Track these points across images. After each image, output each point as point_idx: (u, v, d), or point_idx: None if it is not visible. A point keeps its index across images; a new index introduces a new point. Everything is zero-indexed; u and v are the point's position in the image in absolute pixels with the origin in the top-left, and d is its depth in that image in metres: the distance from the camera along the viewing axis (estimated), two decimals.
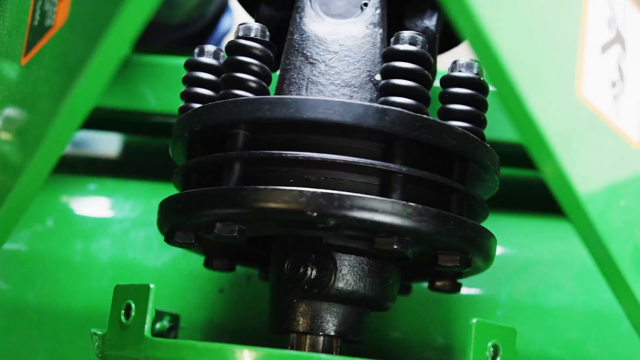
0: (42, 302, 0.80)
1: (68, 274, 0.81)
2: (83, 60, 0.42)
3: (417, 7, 0.68)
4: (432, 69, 0.60)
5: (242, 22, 0.62)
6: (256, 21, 0.70)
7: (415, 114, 0.55)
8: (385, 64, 0.59)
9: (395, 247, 0.54)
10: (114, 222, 0.83)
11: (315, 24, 0.63)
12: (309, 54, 0.62)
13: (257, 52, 0.60)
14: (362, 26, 0.63)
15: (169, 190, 0.65)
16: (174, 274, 0.79)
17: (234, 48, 0.61)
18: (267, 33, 0.62)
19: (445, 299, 0.77)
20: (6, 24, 0.57)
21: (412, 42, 0.58)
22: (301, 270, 0.60)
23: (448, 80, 0.62)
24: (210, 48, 0.66)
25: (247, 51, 0.60)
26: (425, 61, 0.58)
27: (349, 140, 0.57)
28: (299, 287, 0.60)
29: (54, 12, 0.50)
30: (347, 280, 0.60)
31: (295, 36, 0.64)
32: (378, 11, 0.64)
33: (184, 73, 0.67)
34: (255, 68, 0.60)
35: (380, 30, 0.64)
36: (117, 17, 0.40)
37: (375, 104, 0.55)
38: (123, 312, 0.55)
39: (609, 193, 0.47)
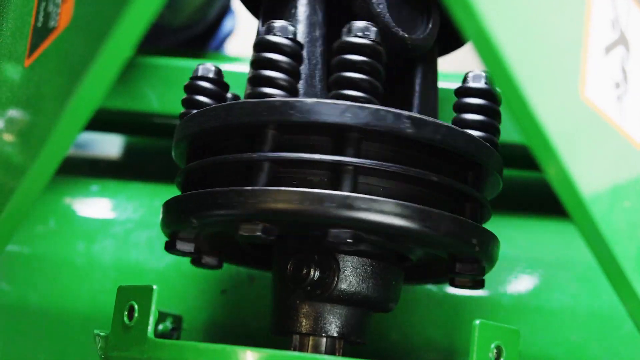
0: (44, 304, 0.80)
1: (70, 275, 0.81)
2: (87, 62, 0.42)
3: None
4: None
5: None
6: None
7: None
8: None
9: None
10: (117, 223, 0.83)
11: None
12: None
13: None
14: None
15: (172, 191, 0.65)
16: (177, 275, 0.79)
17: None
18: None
19: (448, 300, 0.77)
20: (9, 25, 0.57)
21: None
22: (304, 271, 0.60)
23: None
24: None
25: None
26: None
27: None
28: (302, 288, 0.60)
29: (57, 14, 0.50)
30: (350, 281, 0.60)
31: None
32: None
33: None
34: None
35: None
36: (120, 19, 0.41)
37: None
38: (126, 313, 0.55)
39: (612, 194, 0.47)
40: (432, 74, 0.69)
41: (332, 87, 0.57)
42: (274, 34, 0.58)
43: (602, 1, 0.48)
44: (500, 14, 0.40)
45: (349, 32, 0.57)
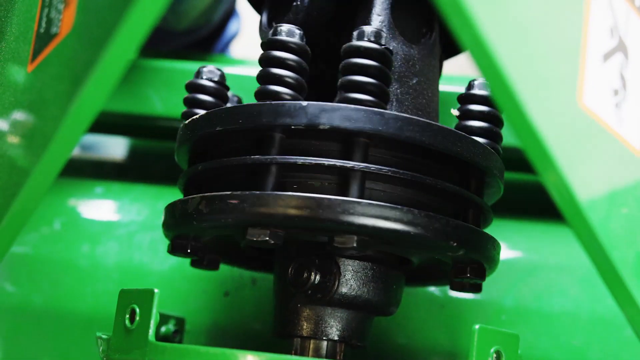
0: (48, 305, 0.81)
1: (74, 277, 0.81)
2: (88, 68, 0.42)
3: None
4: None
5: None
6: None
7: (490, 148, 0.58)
8: (465, 106, 0.63)
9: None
10: (120, 225, 0.83)
11: (396, 40, 0.63)
12: (395, 70, 0.63)
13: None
14: (429, 55, 0.65)
15: (175, 193, 0.65)
16: (180, 277, 0.80)
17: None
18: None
19: (450, 304, 0.77)
20: (13, 30, 0.57)
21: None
22: (305, 275, 0.60)
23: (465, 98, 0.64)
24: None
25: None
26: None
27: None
28: (303, 292, 0.60)
29: (59, 20, 0.50)
30: (351, 285, 0.60)
31: None
32: (438, 45, 0.66)
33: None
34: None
35: (438, 64, 0.66)
36: (121, 25, 0.41)
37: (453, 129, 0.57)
38: (128, 316, 0.55)
39: (610, 201, 0.47)
40: (433, 74, 0.69)
41: (340, 90, 0.57)
42: (283, 35, 0.58)
43: (601, 8, 0.48)
44: (496, 22, 0.40)
45: (360, 37, 0.57)
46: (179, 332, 0.72)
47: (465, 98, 0.63)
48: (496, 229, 0.66)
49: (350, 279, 0.60)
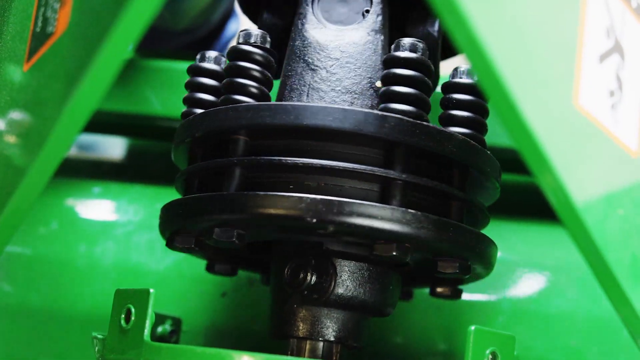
0: (45, 305, 0.81)
1: (72, 277, 0.81)
2: (83, 67, 0.42)
3: (420, 14, 0.68)
4: (432, 75, 0.60)
5: (243, 29, 0.63)
6: (259, 28, 0.70)
7: (414, 120, 0.55)
8: (385, 71, 0.59)
9: (394, 253, 0.54)
10: (118, 225, 0.83)
11: (317, 30, 0.64)
12: (310, 60, 0.63)
13: (258, 57, 0.61)
14: (364, 33, 0.64)
15: (173, 194, 0.65)
16: (177, 277, 0.80)
17: (235, 53, 0.61)
18: (268, 39, 0.62)
19: (447, 305, 0.77)
20: (10, 29, 0.57)
21: (413, 49, 0.59)
22: (301, 275, 0.60)
23: (449, 87, 0.62)
24: (211, 54, 0.67)
25: (249, 57, 0.61)
26: (425, 68, 0.58)
27: (349, 147, 0.57)
28: (299, 293, 0.60)
29: (55, 19, 0.50)
30: (347, 285, 0.60)
31: (297, 42, 0.64)
32: (379, 18, 0.65)
33: (188, 78, 0.67)
34: (256, 74, 0.61)
35: (382, 37, 0.64)
36: (117, 24, 0.41)
37: (375, 111, 0.55)
38: (123, 316, 0.55)
39: (606, 202, 0.47)
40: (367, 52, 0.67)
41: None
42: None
43: (597, 9, 0.48)
44: (492, 22, 0.40)
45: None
46: (175, 333, 0.72)
47: (385, 61, 0.61)
48: (493, 230, 0.66)
49: (347, 280, 0.60)
